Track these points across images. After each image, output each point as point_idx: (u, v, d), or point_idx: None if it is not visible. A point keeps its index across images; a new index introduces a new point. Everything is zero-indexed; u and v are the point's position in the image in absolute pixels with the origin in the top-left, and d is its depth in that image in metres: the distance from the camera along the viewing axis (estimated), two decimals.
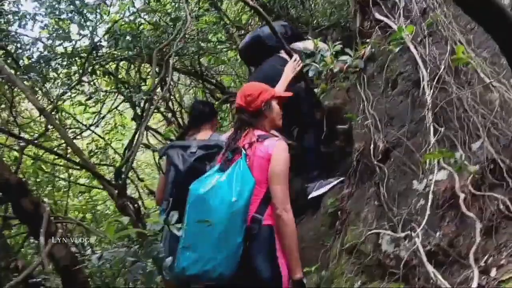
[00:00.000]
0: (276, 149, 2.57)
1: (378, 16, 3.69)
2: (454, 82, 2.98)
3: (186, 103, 8.56)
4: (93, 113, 6.79)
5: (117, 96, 6.80)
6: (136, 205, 4.35)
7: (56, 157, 6.00)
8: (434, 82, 3.02)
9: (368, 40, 3.77)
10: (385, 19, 3.56)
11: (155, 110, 7.00)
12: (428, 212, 2.62)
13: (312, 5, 6.57)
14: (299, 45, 4.27)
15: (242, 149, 2.53)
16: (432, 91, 2.97)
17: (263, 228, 2.51)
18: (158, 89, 6.23)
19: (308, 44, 4.22)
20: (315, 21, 6.23)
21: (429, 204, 2.67)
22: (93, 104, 6.54)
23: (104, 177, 3.91)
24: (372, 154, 3.38)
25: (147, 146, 6.11)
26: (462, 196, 2.55)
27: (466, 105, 2.90)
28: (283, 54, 4.09)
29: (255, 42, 4.36)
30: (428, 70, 3.13)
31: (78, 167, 5.18)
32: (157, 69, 5.42)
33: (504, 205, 2.38)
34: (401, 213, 2.98)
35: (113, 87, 6.49)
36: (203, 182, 2.42)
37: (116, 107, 6.79)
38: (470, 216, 2.43)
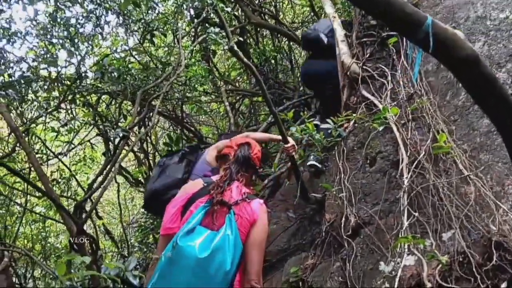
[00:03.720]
0: (262, 215, 2.47)
1: (365, 93, 3.77)
2: (432, 169, 3.02)
3: (161, 146, 8.47)
4: (64, 142, 6.61)
5: (92, 129, 6.67)
6: (94, 245, 4.13)
7: (15, 181, 5.76)
8: (413, 166, 3.04)
9: (353, 114, 3.81)
10: (372, 98, 3.64)
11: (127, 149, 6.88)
12: None
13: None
14: None
15: (231, 205, 2.40)
16: (410, 174, 2.98)
17: None
18: (135, 128, 6.16)
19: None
20: (301, 88, 6.35)
21: None
22: (66, 132, 6.38)
23: (66, 209, 3.70)
24: (342, 228, 3.33)
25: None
26: (428, 285, 2.49)
27: (442, 194, 2.91)
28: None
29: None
30: (408, 154, 3.17)
31: (40, 194, 4.93)
32: (138, 109, 5.36)
33: None
34: None
35: (90, 119, 6.37)
36: (192, 238, 2.26)
37: (89, 140, 6.62)
38: None
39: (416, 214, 2.82)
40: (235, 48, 3.30)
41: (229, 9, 3.71)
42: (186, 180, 3.58)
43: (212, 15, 4.75)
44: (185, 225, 2.33)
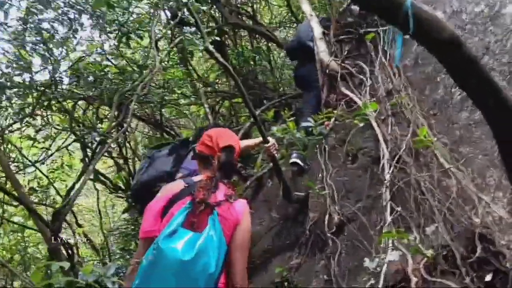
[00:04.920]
0: (246, 216, 2.42)
1: (344, 90, 3.76)
2: (414, 163, 3.01)
3: (140, 151, 8.35)
4: (42, 148, 6.46)
5: (69, 135, 6.53)
6: (70, 251, 4.02)
7: None
8: (394, 162, 3.04)
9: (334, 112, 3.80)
10: (351, 94, 3.63)
11: (107, 155, 6.76)
12: None
13: (280, 74, 6.71)
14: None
15: (214, 206, 2.33)
16: (391, 169, 2.97)
17: None
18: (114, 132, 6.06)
19: None
20: (281, 88, 6.33)
21: (380, 284, 2.59)
22: (43, 140, 6.24)
23: (39, 214, 3.60)
24: (326, 226, 3.31)
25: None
26: (414, 280, 2.48)
27: (423, 188, 2.91)
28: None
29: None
30: (388, 149, 3.16)
31: (15, 201, 4.80)
32: (116, 113, 5.27)
33: None
34: None
35: (66, 125, 6.24)
36: (174, 240, 2.19)
37: (66, 146, 6.48)
38: None
39: (399, 209, 2.81)
40: (210, 48, 3.25)
41: (205, 8, 3.63)
42: (174, 173, 3.54)
43: (188, 15, 4.68)
44: (166, 227, 2.25)
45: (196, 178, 2.53)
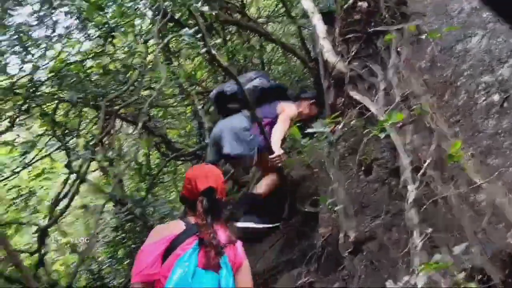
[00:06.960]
0: (246, 258, 2.39)
1: (354, 95, 3.49)
2: (438, 177, 2.77)
3: (125, 152, 7.97)
4: (21, 154, 6.02)
5: (50, 138, 6.11)
6: None
7: None
8: (418, 175, 2.78)
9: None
10: (364, 101, 3.36)
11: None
12: None
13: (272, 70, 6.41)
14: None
15: (222, 248, 2.19)
16: (416, 185, 2.71)
17: None
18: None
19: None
20: None
21: None
22: (21, 151, 5.80)
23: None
24: (342, 244, 3.05)
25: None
26: None
27: (450, 204, 2.68)
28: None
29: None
30: (409, 161, 2.90)
31: None
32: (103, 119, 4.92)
33: None
34: None
35: (47, 129, 5.84)
36: (200, 282, 2.08)
37: (49, 154, 6.07)
38: None
39: (429, 230, 2.55)
40: (213, 51, 2.95)
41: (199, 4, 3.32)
42: None
43: (177, 14, 4.35)
44: (175, 268, 2.08)
45: (192, 220, 2.34)
